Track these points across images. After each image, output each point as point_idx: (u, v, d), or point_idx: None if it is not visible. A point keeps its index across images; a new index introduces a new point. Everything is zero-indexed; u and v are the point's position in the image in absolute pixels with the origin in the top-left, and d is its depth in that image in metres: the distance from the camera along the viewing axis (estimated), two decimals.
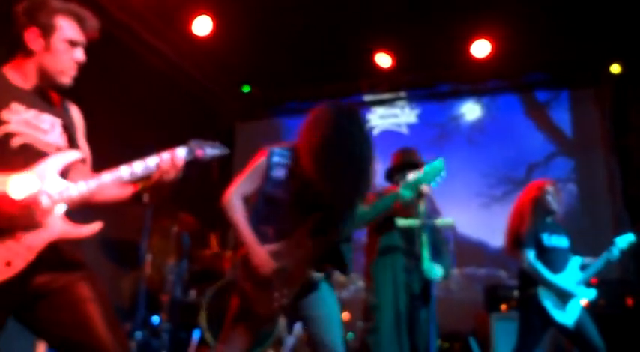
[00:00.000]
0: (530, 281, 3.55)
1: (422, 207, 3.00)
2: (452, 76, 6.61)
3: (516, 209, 3.78)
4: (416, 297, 3.12)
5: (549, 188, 3.74)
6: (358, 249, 6.61)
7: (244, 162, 2.58)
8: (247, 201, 2.45)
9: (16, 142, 1.69)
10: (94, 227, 1.71)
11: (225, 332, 2.43)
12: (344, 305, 5.79)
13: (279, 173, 2.41)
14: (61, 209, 1.68)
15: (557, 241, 3.67)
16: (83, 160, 1.88)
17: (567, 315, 3.47)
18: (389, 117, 7.12)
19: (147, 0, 5.30)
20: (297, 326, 4.32)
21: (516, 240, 3.65)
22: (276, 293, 2.33)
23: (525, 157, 6.32)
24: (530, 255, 3.55)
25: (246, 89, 7.21)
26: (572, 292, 3.49)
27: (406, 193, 2.57)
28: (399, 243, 3.24)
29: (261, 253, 2.33)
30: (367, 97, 7.09)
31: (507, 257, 5.98)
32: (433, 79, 6.71)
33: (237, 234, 2.39)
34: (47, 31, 1.77)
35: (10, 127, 1.69)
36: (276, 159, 2.44)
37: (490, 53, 5.90)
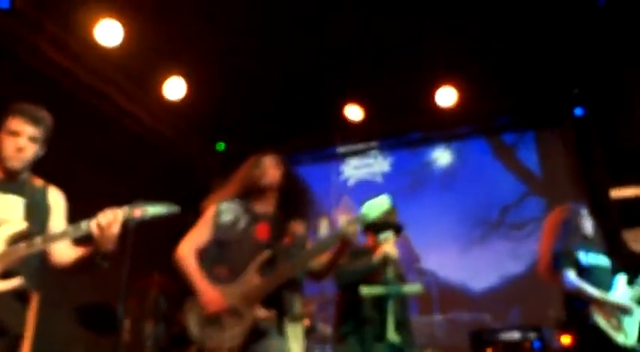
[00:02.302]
0: (577, 304, 3.25)
1: (389, 273, 2.97)
2: (422, 124, 6.78)
3: (547, 231, 3.55)
4: None
5: (580, 210, 3.55)
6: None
7: None
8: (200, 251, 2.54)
9: None
10: (13, 282, 1.87)
11: None
12: None
13: (228, 217, 2.56)
14: None
15: (596, 259, 3.42)
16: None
17: (628, 335, 3.18)
18: (363, 168, 7.23)
19: (118, 64, 5.40)
20: None
21: (551, 262, 3.37)
22: (227, 333, 2.33)
23: (498, 199, 6.42)
24: (571, 274, 3.27)
25: (220, 147, 7.28)
26: (629, 307, 3.20)
27: (349, 229, 2.50)
28: (366, 312, 3.13)
29: (210, 291, 2.38)
30: (341, 149, 7.21)
31: (491, 299, 6.05)
32: (404, 127, 6.87)
33: (189, 282, 2.45)
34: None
35: None
36: (223, 207, 2.61)
37: (456, 100, 6.10)
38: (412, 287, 3.12)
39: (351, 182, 7.20)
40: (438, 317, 6.16)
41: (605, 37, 5.24)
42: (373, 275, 2.99)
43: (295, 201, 2.77)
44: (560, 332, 4.31)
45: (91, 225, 1.93)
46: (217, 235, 2.53)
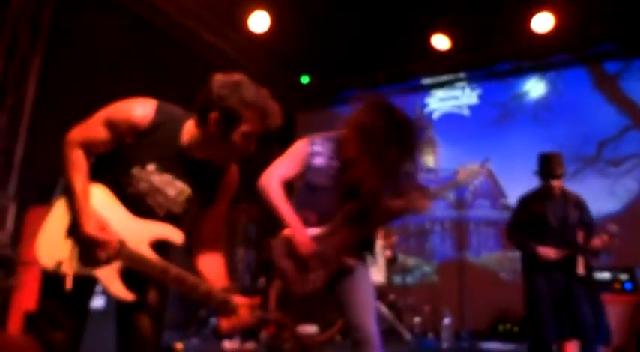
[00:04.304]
0: None
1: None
2: (513, 54, 6.41)
3: None
4: None
5: None
6: (425, 233, 6.59)
7: None
8: (287, 186, 2.47)
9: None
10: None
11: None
12: (409, 291, 5.83)
13: (320, 161, 2.45)
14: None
15: None
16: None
17: None
18: (449, 100, 7.01)
19: (205, 1, 5.48)
20: None
21: None
22: (312, 275, 2.38)
23: (596, 133, 6.04)
24: None
25: (304, 80, 7.31)
26: None
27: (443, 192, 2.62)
28: None
29: (304, 232, 2.38)
30: (425, 80, 7.01)
31: None
32: (493, 57, 6.53)
33: (277, 216, 2.42)
34: (230, 120, 1.68)
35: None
36: (316, 147, 2.47)
37: (553, 26, 5.67)
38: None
39: (436, 115, 7.03)
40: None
41: None
42: None
43: None
44: None
45: None
46: (308, 177, 2.46)
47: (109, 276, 1.69)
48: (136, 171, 1.74)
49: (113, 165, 1.76)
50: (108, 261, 1.69)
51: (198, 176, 1.82)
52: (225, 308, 1.76)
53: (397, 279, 5.75)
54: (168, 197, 1.79)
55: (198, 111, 1.72)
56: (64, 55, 4.51)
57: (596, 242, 3.51)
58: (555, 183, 3.67)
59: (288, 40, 6.08)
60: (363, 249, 2.48)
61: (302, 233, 2.37)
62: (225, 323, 1.78)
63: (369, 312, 2.37)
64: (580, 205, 3.73)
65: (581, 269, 3.47)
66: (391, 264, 5.36)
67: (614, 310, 4.48)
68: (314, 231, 2.42)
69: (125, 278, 1.70)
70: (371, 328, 2.32)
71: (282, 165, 2.48)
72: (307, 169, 2.46)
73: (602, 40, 6.08)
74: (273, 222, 2.53)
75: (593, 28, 5.87)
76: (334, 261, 2.39)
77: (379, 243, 5.12)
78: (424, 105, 7.11)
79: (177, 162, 1.77)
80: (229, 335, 4.38)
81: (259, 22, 5.78)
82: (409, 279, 6.10)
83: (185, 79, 5.54)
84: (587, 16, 5.60)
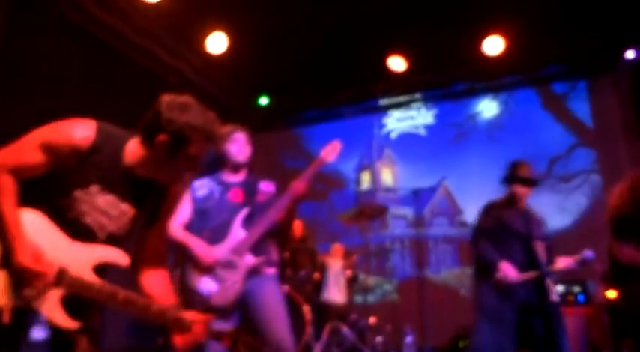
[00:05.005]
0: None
1: None
2: (467, 74, 6.60)
3: None
4: None
5: None
6: (385, 252, 6.61)
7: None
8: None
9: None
10: None
11: None
12: (371, 310, 5.83)
13: (202, 192, 2.84)
14: None
15: None
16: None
17: None
18: (406, 120, 7.14)
19: (162, 22, 5.44)
20: None
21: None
22: (228, 282, 2.60)
23: (546, 151, 6.25)
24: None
25: (262, 101, 7.32)
26: None
27: None
28: None
29: (202, 246, 2.67)
30: (383, 101, 7.12)
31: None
32: (448, 78, 6.71)
33: (182, 249, 2.72)
34: (177, 143, 1.69)
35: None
36: (196, 184, 2.87)
37: (504, 49, 5.89)
38: None
39: (393, 135, 7.14)
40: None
41: None
42: None
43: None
44: (605, 286, 4.26)
45: None
46: (196, 207, 2.81)
47: (50, 306, 1.61)
48: (78, 193, 1.69)
49: (51, 189, 1.69)
50: (45, 291, 1.60)
51: (143, 195, 1.80)
52: (180, 326, 1.74)
53: (358, 299, 5.74)
54: (112, 218, 1.75)
55: (145, 132, 1.71)
56: (12, 74, 4.38)
57: (561, 264, 3.42)
58: (521, 190, 3.58)
59: (247, 60, 6.09)
60: (263, 248, 2.73)
61: (201, 247, 2.67)
62: (180, 340, 1.77)
63: (284, 326, 2.58)
64: (540, 221, 3.65)
65: (554, 296, 3.33)
66: (352, 283, 5.36)
67: (568, 322, 4.60)
68: (214, 246, 2.69)
69: (67, 304, 1.64)
70: (289, 342, 2.54)
71: (176, 212, 2.78)
72: (194, 202, 2.83)
73: (549, 63, 6.34)
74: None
75: (540, 51, 6.12)
76: (241, 263, 2.63)
77: (339, 263, 5.13)
78: (382, 126, 7.22)
79: (121, 182, 1.74)
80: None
81: (217, 43, 5.77)
82: (370, 298, 6.10)
83: (141, 98, 5.47)
84: (534, 39, 5.84)
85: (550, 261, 3.45)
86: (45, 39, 4.58)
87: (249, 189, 2.85)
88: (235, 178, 2.90)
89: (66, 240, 1.69)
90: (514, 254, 3.41)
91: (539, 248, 3.43)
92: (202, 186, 2.88)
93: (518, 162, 3.67)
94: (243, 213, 2.73)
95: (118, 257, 1.73)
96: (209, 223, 2.75)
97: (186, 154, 1.70)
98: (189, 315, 1.76)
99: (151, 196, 1.83)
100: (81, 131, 1.68)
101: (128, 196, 1.77)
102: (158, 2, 5.00)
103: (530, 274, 3.34)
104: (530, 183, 3.60)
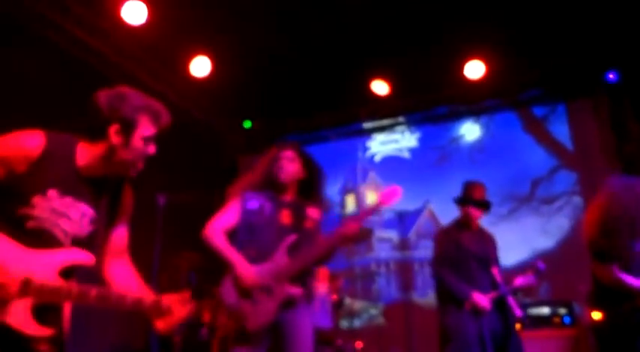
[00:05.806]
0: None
1: None
2: (449, 98, 6.69)
3: None
4: None
5: None
6: (371, 275, 6.56)
7: None
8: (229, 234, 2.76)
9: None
10: None
11: None
12: (357, 334, 5.75)
13: (253, 204, 2.78)
14: None
15: None
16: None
17: None
18: (390, 143, 7.18)
19: (145, 45, 5.44)
20: None
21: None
22: (262, 307, 2.54)
23: (528, 173, 6.32)
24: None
25: (247, 124, 7.31)
26: None
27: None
28: None
29: (247, 266, 2.59)
30: (366, 125, 7.17)
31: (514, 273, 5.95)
32: (430, 102, 6.79)
33: (221, 259, 2.66)
34: (128, 127, 1.79)
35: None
36: (248, 195, 2.81)
37: (484, 73, 5.99)
38: None
39: (377, 158, 7.17)
40: None
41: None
42: None
43: (313, 186, 2.93)
44: (590, 308, 4.26)
45: None
46: (245, 219, 2.74)
47: (19, 317, 1.59)
48: (37, 200, 1.70)
49: (9, 200, 1.69)
50: (7, 303, 1.58)
51: (99, 195, 1.84)
52: (159, 310, 1.75)
53: (344, 323, 5.67)
54: (73, 220, 1.76)
55: (94, 130, 1.77)
56: None
57: (519, 281, 3.44)
58: (474, 212, 3.59)
59: (230, 84, 6.09)
60: (305, 279, 2.68)
61: (245, 267, 2.58)
62: (162, 325, 1.77)
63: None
64: (493, 241, 3.67)
65: (518, 311, 3.38)
66: (338, 307, 5.29)
67: (555, 344, 4.58)
68: (256, 266, 2.61)
69: (36, 312, 1.62)
70: None
71: (223, 215, 2.79)
72: (243, 212, 2.75)
73: (529, 87, 6.46)
74: (215, 270, 2.64)
75: (520, 75, 6.24)
76: (279, 291, 2.56)
77: (324, 287, 5.07)
78: (366, 149, 7.25)
79: (78, 184, 1.78)
80: (171, 335, 4.26)
81: (201, 66, 5.77)
82: (356, 323, 6.03)
83: None
84: (514, 63, 5.96)
85: (506, 279, 3.49)
86: (26, 61, 4.53)
87: (298, 213, 2.81)
88: (285, 197, 2.84)
89: (25, 251, 1.67)
90: (478, 278, 3.45)
91: (495, 269, 3.49)
92: (254, 198, 2.81)
93: (472, 183, 3.70)
94: (291, 239, 2.68)
95: (83, 258, 1.74)
96: (256, 241, 2.69)
97: (140, 137, 1.79)
98: (166, 298, 1.78)
99: (107, 194, 1.88)
100: (30, 139, 1.72)
101: (86, 197, 1.80)
102: (142, 25, 4.99)
103: (493, 295, 3.39)
104: (484, 205, 3.62)
